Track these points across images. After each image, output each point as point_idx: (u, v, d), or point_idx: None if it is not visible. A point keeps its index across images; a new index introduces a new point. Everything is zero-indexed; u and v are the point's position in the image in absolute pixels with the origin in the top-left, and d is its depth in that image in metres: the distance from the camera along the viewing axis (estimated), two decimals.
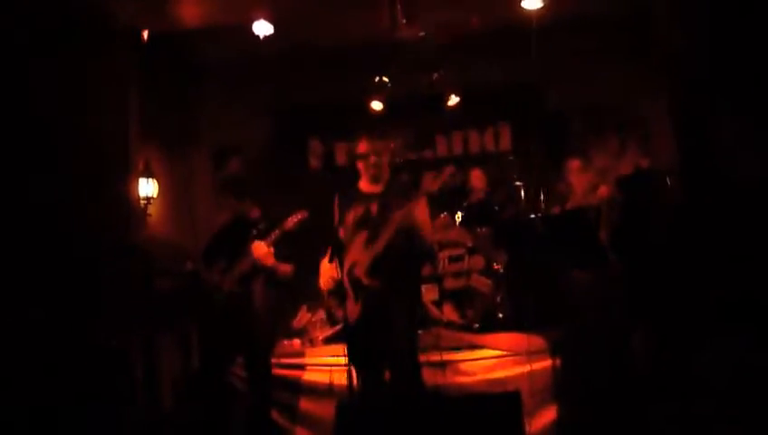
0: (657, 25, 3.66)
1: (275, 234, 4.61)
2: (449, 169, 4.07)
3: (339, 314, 4.09)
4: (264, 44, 5.54)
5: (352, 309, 3.89)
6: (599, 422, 4.15)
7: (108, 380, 3.51)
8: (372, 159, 4.08)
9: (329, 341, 5.64)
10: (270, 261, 4.60)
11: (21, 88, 3.60)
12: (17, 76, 3.60)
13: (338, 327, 5.64)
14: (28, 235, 3.48)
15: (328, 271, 4.05)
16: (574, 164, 5.62)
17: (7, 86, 3.56)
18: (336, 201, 4.20)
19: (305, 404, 4.98)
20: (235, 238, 4.83)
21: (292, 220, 4.63)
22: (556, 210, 5.41)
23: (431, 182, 3.95)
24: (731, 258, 3.09)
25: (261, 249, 4.60)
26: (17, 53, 3.58)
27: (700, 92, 3.22)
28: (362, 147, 4.14)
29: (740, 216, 3.06)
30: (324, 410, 4.80)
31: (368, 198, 4.10)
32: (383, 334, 3.87)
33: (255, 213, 4.95)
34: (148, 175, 6.04)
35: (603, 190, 5.24)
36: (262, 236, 4.66)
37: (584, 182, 5.48)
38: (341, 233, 4.11)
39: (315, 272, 4.20)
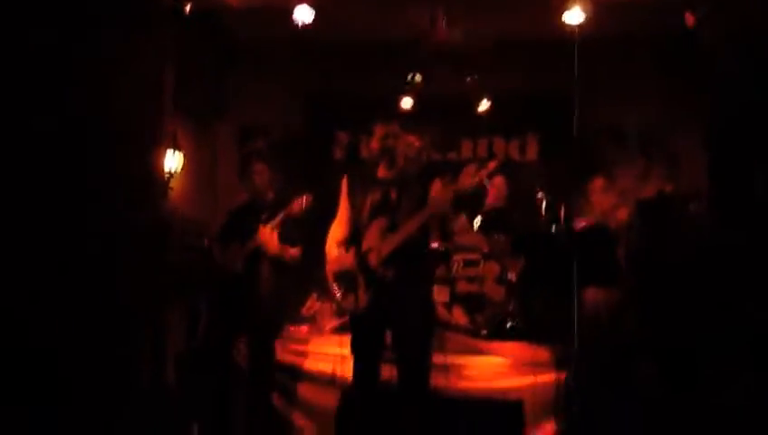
0: (704, 46, 3.60)
1: (279, 218, 4.60)
2: (492, 164, 3.91)
3: (344, 302, 3.92)
4: (304, 30, 5.55)
5: (361, 297, 3.79)
6: None
7: (120, 348, 3.53)
8: (385, 142, 3.94)
9: (337, 331, 5.64)
10: (273, 246, 4.59)
11: (62, 58, 3.61)
12: (59, 48, 3.62)
13: (347, 318, 5.66)
14: (50, 201, 3.50)
15: (338, 257, 3.92)
16: (598, 183, 5.59)
17: (48, 56, 3.57)
18: (344, 181, 4.04)
19: (304, 391, 5.01)
20: (248, 219, 4.85)
21: (298, 204, 4.61)
22: (581, 223, 5.37)
23: (469, 175, 3.78)
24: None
25: (265, 234, 4.60)
26: (58, 28, 3.60)
27: (750, 116, 3.17)
28: (377, 132, 3.99)
29: None
30: (323, 398, 4.84)
31: (384, 183, 3.94)
32: (388, 328, 3.84)
33: (270, 195, 4.96)
34: (175, 147, 6.06)
35: (623, 212, 5.22)
36: (268, 220, 4.66)
37: (606, 202, 5.46)
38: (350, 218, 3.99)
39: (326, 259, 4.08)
